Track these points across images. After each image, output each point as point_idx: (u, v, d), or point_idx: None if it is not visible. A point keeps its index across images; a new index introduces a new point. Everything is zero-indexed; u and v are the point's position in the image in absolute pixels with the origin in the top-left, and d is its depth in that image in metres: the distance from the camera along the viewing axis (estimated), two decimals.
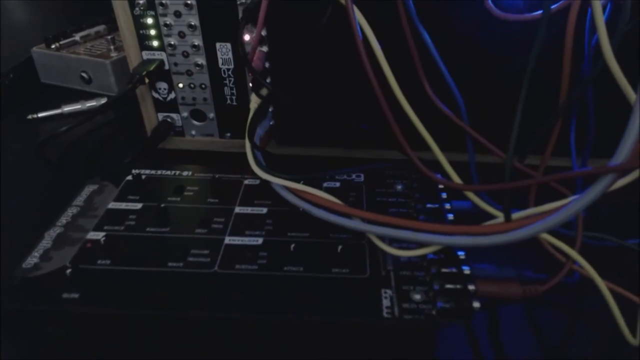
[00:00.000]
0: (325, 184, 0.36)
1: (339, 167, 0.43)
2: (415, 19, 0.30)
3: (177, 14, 0.38)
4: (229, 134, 0.44)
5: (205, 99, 0.42)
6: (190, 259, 0.28)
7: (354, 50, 0.28)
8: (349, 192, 0.35)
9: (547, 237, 0.26)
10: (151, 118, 0.44)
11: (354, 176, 0.37)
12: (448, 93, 0.32)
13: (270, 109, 0.41)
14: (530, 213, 0.25)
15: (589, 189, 0.21)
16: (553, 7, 0.29)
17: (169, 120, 0.43)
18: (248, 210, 0.32)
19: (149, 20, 0.39)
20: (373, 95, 0.29)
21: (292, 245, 0.28)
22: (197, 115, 0.43)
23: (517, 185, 0.23)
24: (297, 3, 0.36)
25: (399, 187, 0.35)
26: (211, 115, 0.43)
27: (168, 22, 0.39)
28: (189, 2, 0.38)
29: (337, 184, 0.36)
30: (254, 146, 0.34)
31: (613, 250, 0.33)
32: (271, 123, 0.41)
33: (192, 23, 0.39)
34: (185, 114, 0.43)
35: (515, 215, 0.25)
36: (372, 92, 0.31)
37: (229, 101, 0.42)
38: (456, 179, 0.29)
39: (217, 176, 0.34)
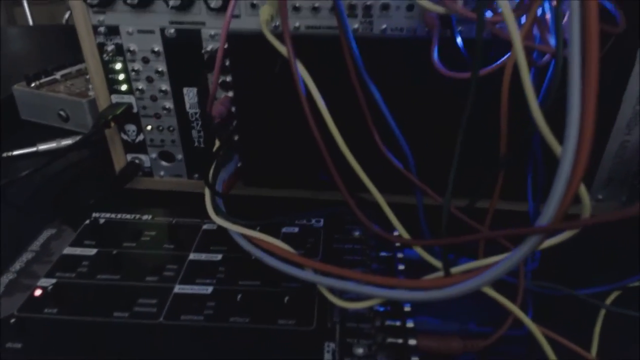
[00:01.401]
0: (284, 229, 0.36)
1: (305, 209, 0.43)
2: (363, 73, 0.31)
3: (145, 60, 0.39)
4: (197, 175, 0.45)
5: (173, 141, 0.43)
6: (137, 308, 0.28)
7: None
8: (307, 237, 0.35)
9: (487, 290, 0.26)
10: (120, 159, 0.44)
11: (313, 221, 0.37)
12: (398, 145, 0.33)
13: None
14: (469, 267, 0.25)
15: (518, 248, 0.22)
16: (497, 63, 0.29)
17: (137, 161, 0.44)
18: (202, 256, 0.32)
19: (118, 66, 0.40)
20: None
21: (239, 296, 0.29)
22: (166, 156, 0.44)
23: (452, 241, 0.24)
24: (258, 51, 0.37)
25: (357, 233, 0.35)
26: (179, 156, 0.44)
27: (136, 68, 0.40)
28: (156, 49, 0.39)
29: (296, 229, 0.36)
30: (213, 192, 0.35)
31: (565, 300, 0.33)
32: (238, 165, 0.41)
33: (160, 69, 0.40)
34: (154, 155, 0.44)
35: (455, 269, 0.26)
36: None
37: (196, 143, 0.43)
38: (403, 232, 0.29)
39: (174, 221, 0.35)
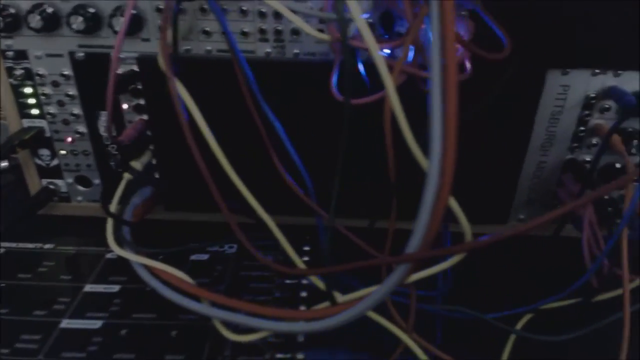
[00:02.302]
0: (193, 257, 0.35)
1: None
2: (258, 97, 0.30)
3: (55, 84, 0.38)
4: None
5: (89, 165, 0.42)
6: (18, 345, 0.27)
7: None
8: (216, 265, 0.34)
9: (376, 317, 0.25)
10: (34, 184, 0.43)
11: (226, 247, 0.36)
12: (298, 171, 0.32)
13: (156, 174, 0.41)
14: (356, 296, 0.25)
15: (388, 277, 0.21)
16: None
17: (51, 186, 0.42)
18: (99, 288, 0.31)
19: (28, 90, 0.39)
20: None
21: (125, 331, 0.27)
22: (83, 181, 0.42)
23: (342, 268, 0.23)
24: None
25: (268, 259, 0.34)
26: (96, 181, 0.42)
27: (46, 92, 0.39)
28: (65, 72, 0.38)
29: (206, 257, 0.35)
30: (116, 219, 0.34)
31: (475, 324, 0.32)
32: (152, 190, 0.40)
33: (71, 93, 0.38)
34: (70, 180, 0.42)
35: (342, 298, 0.25)
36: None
37: (113, 167, 0.42)
38: (296, 260, 0.28)
39: (76, 250, 0.33)
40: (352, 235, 0.31)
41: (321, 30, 0.35)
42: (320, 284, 0.28)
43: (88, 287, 0.31)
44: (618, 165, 0.39)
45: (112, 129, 0.33)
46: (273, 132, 0.31)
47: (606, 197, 0.40)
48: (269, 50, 0.36)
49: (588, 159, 0.39)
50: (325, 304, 0.25)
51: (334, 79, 0.30)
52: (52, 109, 0.39)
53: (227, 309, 0.26)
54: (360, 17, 0.19)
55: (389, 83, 0.21)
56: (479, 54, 0.28)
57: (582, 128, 0.38)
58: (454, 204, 0.22)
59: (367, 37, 0.20)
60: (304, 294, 0.30)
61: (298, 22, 0.25)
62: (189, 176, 0.42)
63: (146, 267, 0.31)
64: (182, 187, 0.41)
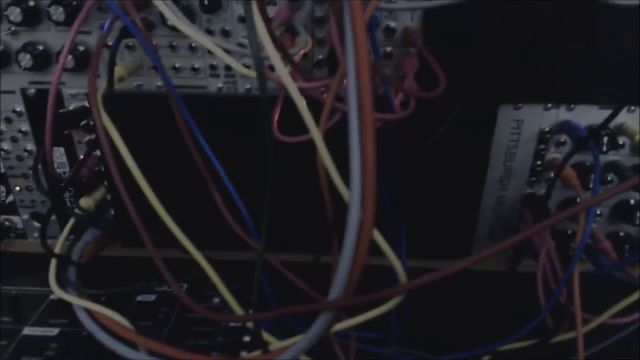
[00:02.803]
0: (139, 297, 0.34)
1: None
2: (197, 133, 0.30)
3: (8, 120, 0.38)
4: (72, 236, 0.42)
5: (44, 202, 0.41)
6: None
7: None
8: (162, 306, 0.33)
9: None
10: None
11: None
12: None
13: (112, 211, 0.41)
14: (289, 343, 0.24)
15: (313, 325, 0.20)
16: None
17: (7, 223, 0.42)
18: (38, 331, 0.30)
19: None
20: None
21: None
22: (38, 217, 0.42)
23: (264, 317, 0.22)
24: (121, 109, 0.36)
25: (217, 300, 0.33)
26: (52, 217, 0.42)
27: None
28: (18, 109, 0.37)
29: (153, 297, 0.34)
30: (58, 258, 0.33)
31: None
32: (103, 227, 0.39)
33: (24, 129, 0.38)
34: (25, 217, 0.42)
35: (276, 345, 0.24)
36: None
37: (68, 203, 0.41)
38: (233, 304, 0.27)
39: (17, 291, 0.32)
40: (289, 274, 0.30)
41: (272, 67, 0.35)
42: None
43: (27, 330, 0.30)
44: (579, 200, 0.38)
45: (52, 165, 0.33)
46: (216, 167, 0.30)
47: (570, 231, 0.40)
48: (220, 85, 0.36)
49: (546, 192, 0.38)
50: (256, 352, 0.24)
51: (275, 116, 0.29)
52: (5, 146, 0.39)
53: (162, 358, 0.26)
54: (274, 53, 0.19)
55: (310, 123, 0.20)
56: (408, 92, 0.28)
57: (538, 162, 0.37)
58: (379, 239, 0.21)
59: (282, 73, 0.20)
60: (246, 339, 0.29)
61: (225, 57, 0.25)
62: (143, 211, 0.41)
63: (87, 310, 0.30)
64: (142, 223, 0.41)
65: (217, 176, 0.30)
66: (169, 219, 0.26)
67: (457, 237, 0.41)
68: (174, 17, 0.24)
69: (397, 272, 0.23)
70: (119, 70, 0.33)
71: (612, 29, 0.31)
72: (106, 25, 0.28)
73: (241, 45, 0.34)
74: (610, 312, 0.30)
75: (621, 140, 0.36)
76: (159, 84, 0.36)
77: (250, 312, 0.25)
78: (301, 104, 0.20)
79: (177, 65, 0.35)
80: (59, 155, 0.39)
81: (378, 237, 0.21)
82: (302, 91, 0.29)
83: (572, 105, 0.35)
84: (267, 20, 0.20)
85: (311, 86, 0.25)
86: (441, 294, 0.39)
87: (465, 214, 0.40)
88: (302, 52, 0.29)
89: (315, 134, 0.21)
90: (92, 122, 0.37)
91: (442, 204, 0.39)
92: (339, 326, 0.24)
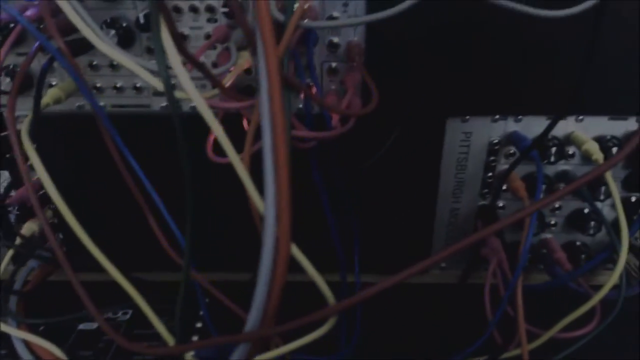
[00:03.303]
0: (81, 326, 0.33)
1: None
2: (126, 154, 0.29)
3: None
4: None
5: None
6: None
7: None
8: (102, 335, 0.32)
9: None
10: None
11: (120, 313, 0.34)
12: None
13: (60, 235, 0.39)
14: None
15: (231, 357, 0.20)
16: None
17: None
18: None
19: None
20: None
21: None
22: None
23: (182, 349, 0.21)
24: (63, 132, 0.35)
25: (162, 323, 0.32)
26: None
27: None
28: None
29: (95, 325, 0.33)
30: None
31: None
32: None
33: None
34: None
35: None
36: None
37: (15, 229, 0.40)
38: (164, 333, 0.26)
39: None
40: (222, 296, 0.29)
41: None
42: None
43: None
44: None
45: None
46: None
47: None
48: (164, 104, 0.35)
49: (500, 204, 0.38)
50: None
51: (211, 137, 0.29)
52: None
53: None
54: (181, 70, 0.19)
55: (224, 142, 0.20)
56: (334, 110, 0.28)
57: (490, 174, 0.37)
58: (300, 257, 0.21)
59: (189, 90, 0.19)
60: None
61: (144, 75, 0.24)
62: (91, 234, 0.40)
63: (25, 340, 0.29)
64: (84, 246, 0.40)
65: (150, 197, 0.29)
66: (89, 242, 0.25)
67: (414, 251, 0.40)
68: (95, 37, 0.24)
69: (323, 292, 0.22)
70: (55, 92, 0.32)
71: (549, 40, 0.31)
72: (32, 49, 0.27)
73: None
74: (559, 326, 0.29)
75: (571, 150, 0.36)
76: (102, 103, 0.35)
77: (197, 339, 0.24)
78: (214, 123, 0.19)
79: (118, 85, 0.34)
80: (3, 179, 0.38)
81: (299, 254, 0.20)
82: (226, 110, 0.29)
83: (520, 117, 0.35)
84: (178, 41, 0.19)
85: (233, 106, 0.24)
86: (394, 309, 0.38)
87: (421, 228, 0.39)
88: (233, 69, 0.28)
89: (232, 154, 0.20)
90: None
91: (396, 219, 0.39)
92: (271, 354, 0.23)
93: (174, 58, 0.19)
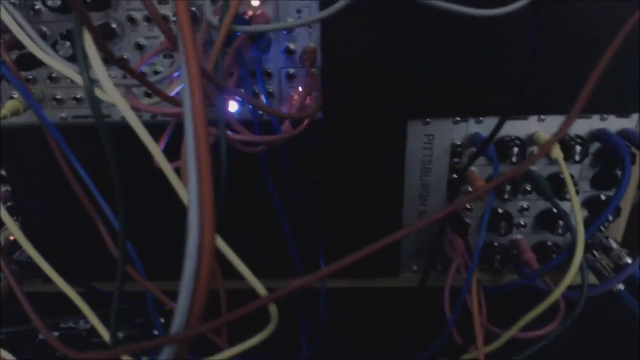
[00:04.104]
0: (41, 336, 0.33)
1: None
2: (75, 164, 0.29)
3: None
4: None
5: None
6: None
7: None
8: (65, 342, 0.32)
9: None
10: None
11: (82, 322, 0.34)
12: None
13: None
14: None
15: None
16: None
17: None
18: None
19: None
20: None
21: None
22: None
23: (130, 350, 0.21)
24: (28, 143, 0.36)
25: (120, 335, 0.32)
26: None
27: None
28: None
29: (56, 334, 0.33)
30: None
31: None
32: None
33: None
34: None
35: None
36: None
37: None
38: (103, 333, 0.26)
39: None
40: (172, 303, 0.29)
41: None
42: None
43: None
44: (500, 210, 0.38)
45: None
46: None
47: (495, 244, 0.39)
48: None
49: (467, 206, 0.38)
50: None
51: (162, 144, 0.29)
52: None
53: None
54: (104, 77, 0.19)
55: (151, 146, 0.20)
56: (273, 113, 0.28)
57: (454, 176, 0.37)
58: (236, 260, 0.20)
59: (113, 96, 0.19)
60: None
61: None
62: (59, 245, 0.40)
63: None
64: (54, 257, 0.40)
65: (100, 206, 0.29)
66: (32, 250, 0.25)
67: (383, 255, 0.40)
68: (37, 49, 0.24)
69: (252, 284, 0.21)
70: (13, 104, 0.32)
71: (505, 39, 0.31)
72: None
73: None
74: (518, 325, 0.29)
75: (536, 150, 0.36)
76: (63, 115, 0.35)
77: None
78: (139, 128, 0.19)
79: (78, 96, 0.35)
80: None
81: (224, 247, 0.20)
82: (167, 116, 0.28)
83: (481, 118, 0.35)
84: (101, 46, 0.19)
85: (172, 112, 0.24)
86: (363, 313, 0.38)
87: (389, 232, 0.39)
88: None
89: (160, 158, 0.20)
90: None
91: (364, 223, 0.39)
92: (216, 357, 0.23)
93: (98, 66, 0.19)
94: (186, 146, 0.18)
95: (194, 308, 0.18)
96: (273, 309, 0.21)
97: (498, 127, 0.29)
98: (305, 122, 0.29)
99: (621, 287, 0.35)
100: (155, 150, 0.20)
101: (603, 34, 0.31)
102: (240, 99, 0.28)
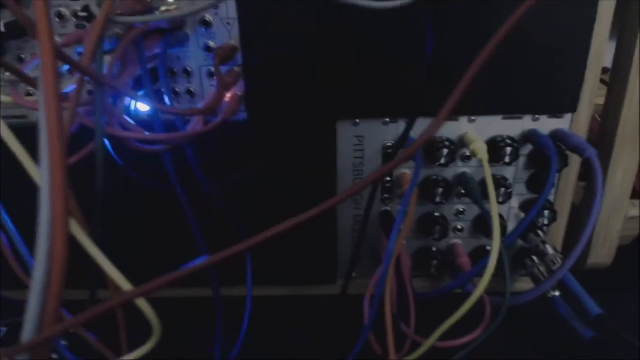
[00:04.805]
0: None
1: None
2: None
3: None
4: None
5: None
6: None
7: None
8: None
9: None
10: None
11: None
12: None
13: None
14: None
15: None
16: None
17: None
18: None
19: None
20: None
21: None
22: None
23: None
24: None
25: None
26: None
27: None
28: None
29: None
30: None
31: None
32: None
33: None
34: None
35: None
36: None
37: None
38: None
39: None
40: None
41: None
42: None
43: None
44: (437, 214, 0.37)
45: None
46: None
47: (434, 249, 0.38)
48: None
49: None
50: None
51: None
52: None
53: None
54: None
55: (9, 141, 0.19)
56: (166, 111, 0.27)
57: (387, 179, 0.36)
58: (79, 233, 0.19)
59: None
60: None
61: None
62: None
63: None
64: None
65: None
66: None
67: (320, 262, 0.39)
68: None
69: (112, 277, 0.20)
70: None
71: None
72: None
73: None
74: (437, 334, 0.28)
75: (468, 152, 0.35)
76: None
77: None
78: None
79: None
80: None
81: (80, 233, 0.19)
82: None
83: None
84: None
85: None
86: (293, 321, 0.37)
87: (324, 237, 0.38)
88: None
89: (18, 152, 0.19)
90: None
91: (301, 230, 0.37)
92: None
93: None
94: (40, 140, 0.17)
95: (49, 309, 0.17)
96: (143, 304, 0.20)
97: (407, 130, 0.28)
98: (218, 120, 0.28)
99: (556, 293, 0.34)
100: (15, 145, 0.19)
101: (536, 34, 0.31)
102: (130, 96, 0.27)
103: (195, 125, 0.27)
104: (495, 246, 0.26)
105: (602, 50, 0.32)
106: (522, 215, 0.37)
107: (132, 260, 0.24)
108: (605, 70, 0.35)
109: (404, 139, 0.29)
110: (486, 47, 0.18)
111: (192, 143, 0.27)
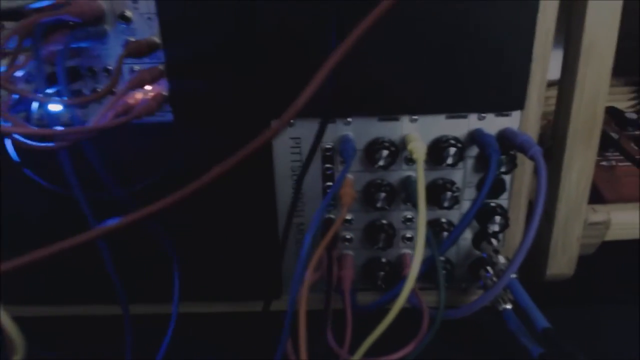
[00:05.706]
0: None
1: None
2: None
3: None
4: None
5: None
6: None
7: None
8: None
9: None
10: None
11: None
12: None
13: None
14: None
15: None
16: None
17: None
18: None
19: None
20: None
21: None
22: None
23: None
24: None
25: None
26: None
27: None
28: None
29: None
30: None
31: None
32: None
33: None
34: None
35: None
36: None
37: None
38: None
39: None
40: None
41: None
42: None
43: None
44: (384, 221, 0.34)
45: None
46: None
47: (383, 260, 0.36)
48: None
49: (348, 217, 0.35)
50: None
51: None
52: None
53: None
54: None
55: None
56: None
57: (329, 183, 0.34)
58: None
59: None
60: None
61: None
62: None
63: None
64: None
65: None
66: None
67: (264, 275, 0.37)
68: None
69: None
70: None
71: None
72: None
73: None
74: (360, 351, 0.25)
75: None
76: None
77: None
78: None
79: None
80: None
81: None
82: None
83: (349, 119, 0.32)
84: None
85: None
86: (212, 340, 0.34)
87: (267, 249, 0.35)
88: None
89: None
90: None
91: (237, 242, 0.35)
92: None
93: None
94: None
95: None
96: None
97: (323, 127, 0.26)
98: (129, 117, 0.26)
99: (508, 306, 0.32)
100: None
101: (478, 29, 0.29)
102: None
103: (100, 119, 0.25)
104: (417, 256, 0.24)
105: (548, 44, 0.30)
106: (474, 221, 0.34)
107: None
108: None
109: (318, 141, 0.27)
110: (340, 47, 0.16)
111: (100, 141, 0.25)
